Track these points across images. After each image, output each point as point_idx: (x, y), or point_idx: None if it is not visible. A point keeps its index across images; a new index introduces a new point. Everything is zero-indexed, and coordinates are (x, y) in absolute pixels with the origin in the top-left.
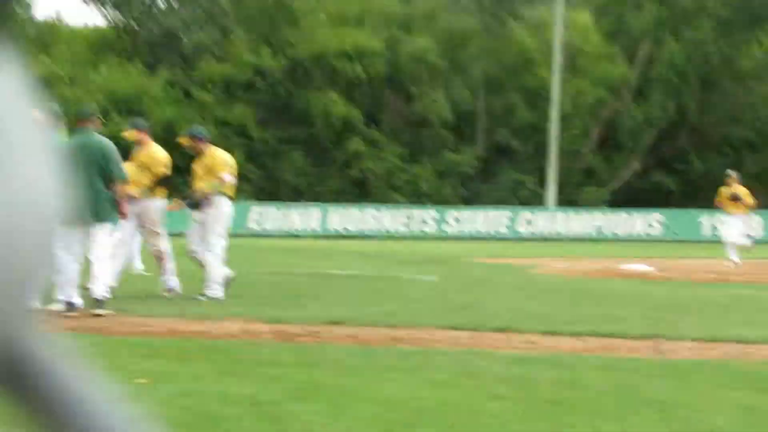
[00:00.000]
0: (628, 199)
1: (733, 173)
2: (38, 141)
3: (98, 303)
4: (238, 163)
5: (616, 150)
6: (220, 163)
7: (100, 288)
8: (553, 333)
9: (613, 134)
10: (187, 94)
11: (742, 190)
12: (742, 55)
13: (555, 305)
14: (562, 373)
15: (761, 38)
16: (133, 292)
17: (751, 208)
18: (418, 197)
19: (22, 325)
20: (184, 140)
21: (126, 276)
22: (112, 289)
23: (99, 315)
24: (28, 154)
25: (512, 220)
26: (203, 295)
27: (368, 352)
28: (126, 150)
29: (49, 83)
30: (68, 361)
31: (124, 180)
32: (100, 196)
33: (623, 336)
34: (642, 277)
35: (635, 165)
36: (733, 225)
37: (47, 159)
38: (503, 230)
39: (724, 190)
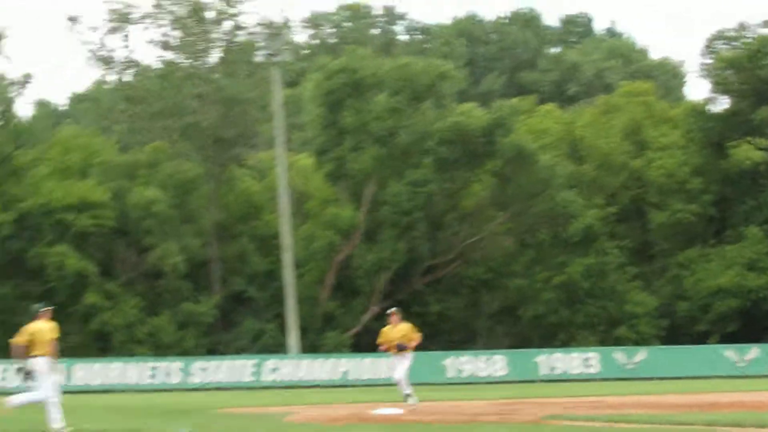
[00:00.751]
0: (371, 342)
1: (393, 310)
2: None
3: None
4: None
5: (353, 294)
6: None
7: None
8: None
9: (348, 279)
10: None
11: (404, 328)
12: (466, 193)
13: None
14: None
15: (481, 176)
16: None
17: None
18: (161, 348)
19: None
20: None
21: None
22: None
23: None
24: None
25: (257, 368)
26: None
27: None
28: None
29: None
30: None
31: None
32: None
33: None
34: (395, 421)
35: (374, 308)
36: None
37: None
38: (248, 378)
39: (387, 331)
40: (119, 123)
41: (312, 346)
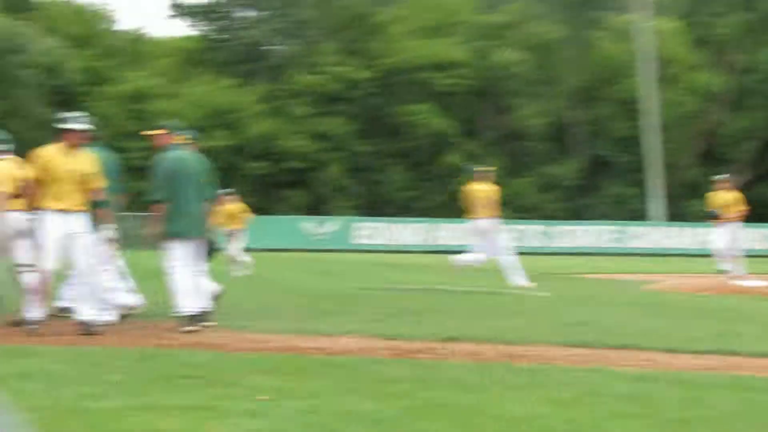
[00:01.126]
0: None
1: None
2: None
3: (195, 318)
4: (338, 177)
5: (718, 163)
6: None
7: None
8: (672, 350)
9: (714, 147)
10: (281, 107)
11: (727, 197)
12: None
13: (671, 322)
14: (686, 391)
15: None
16: (251, 308)
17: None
18: (522, 211)
19: None
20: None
21: (248, 292)
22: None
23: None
24: None
25: (619, 234)
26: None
27: (486, 369)
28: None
29: (144, 97)
30: None
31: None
32: (202, 212)
33: (745, 354)
34: (758, 293)
35: (740, 178)
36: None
37: None
38: (609, 244)
39: (711, 196)
40: None
41: (674, 215)
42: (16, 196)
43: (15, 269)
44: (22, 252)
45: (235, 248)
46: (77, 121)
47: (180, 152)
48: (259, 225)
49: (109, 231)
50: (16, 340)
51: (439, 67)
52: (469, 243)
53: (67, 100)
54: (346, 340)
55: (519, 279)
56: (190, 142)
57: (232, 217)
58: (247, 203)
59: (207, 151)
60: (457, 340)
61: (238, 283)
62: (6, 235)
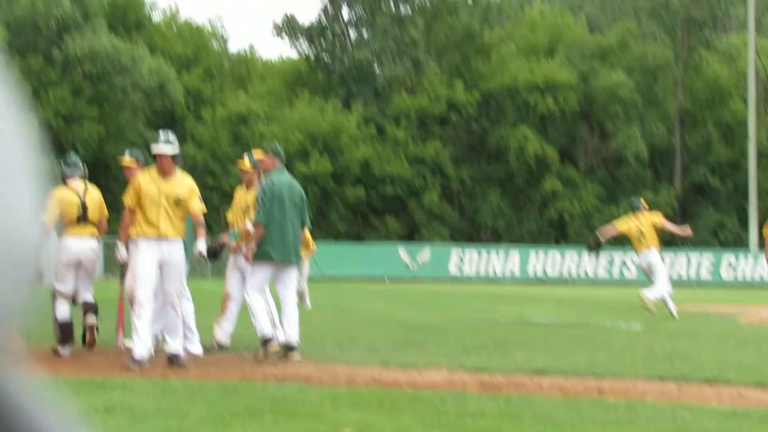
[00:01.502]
0: None
1: None
2: (23, 165)
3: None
4: (435, 203)
5: None
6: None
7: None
8: (764, 385)
9: None
10: (381, 131)
11: None
12: None
13: (765, 356)
14: None
15: None
16: (338, 340)
17: None
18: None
19: None
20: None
21: (337, 323)
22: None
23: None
24: (10, 181)
25: (714, 263)
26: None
27: (574, 404)
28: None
29: (246, 120)
30: (45, 404)
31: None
32: (298, 239)
33: None
34: None
35: None
36: None
37: (31, 187)
38: (706, 274)
39: None
40: (589, 2)
41: None
42: (83, 221)
43: (53, 296)
44: (69, 281)
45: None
46: (165, 145)
47: (282, 176)
48: (354, 252)
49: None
50: (99, 371)
51: (543, 88)
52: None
53: (169, 122)
54: (433, 372)
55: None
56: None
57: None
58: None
59: (305, 176)
60: (546, 373)
61: (326, 314)
62: (63, 262)
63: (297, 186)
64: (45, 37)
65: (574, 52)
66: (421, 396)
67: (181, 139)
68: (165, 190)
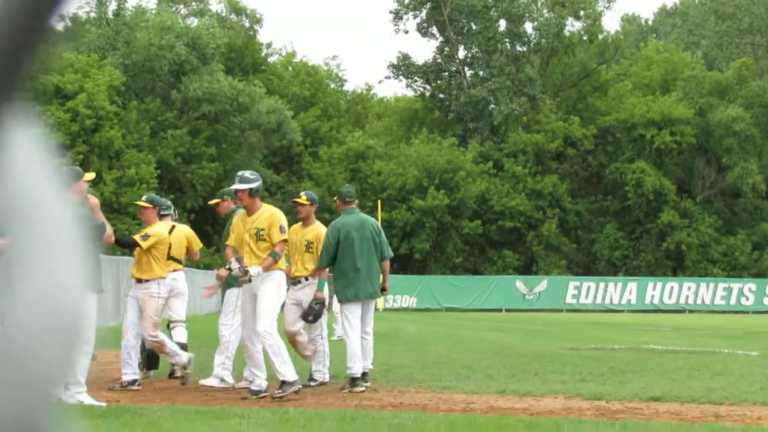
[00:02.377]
0: None
1: None
2: (66, 225)
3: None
4: (553, 235)
5: None
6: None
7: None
8: None
9: None
10: (498, 166)
11: None
12: None
13: None
14: None
15: None
16: (455, 369)
17: None
18: (734, 270)
19: (42, 422)
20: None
21: (454, 352)
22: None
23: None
24: (56, 241)
25: None
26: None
27: (690, 429)
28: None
29: (363, 157)
30: None
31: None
32: (375, 273)
33: None
34: None
35: None
36: None
37: (76, 244)
38: None
39: None
40: (706, 38)
41: None
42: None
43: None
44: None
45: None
46: (237, 183)
47: (348, 216)
48: (470, 284)
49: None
50: (217, 401)
51: (659, 123)
52: None
53: (286, 161)
54: (549, 400)
55: None
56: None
57: None
58: (458, 263)
59: (423, 210)
60: (662, 400)
61: (443, 344)
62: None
63: (368, 222)
64: (162, 79)
65: (692, 88)
66: (538, 423)
67: (298, 177)
68: (248, 226)
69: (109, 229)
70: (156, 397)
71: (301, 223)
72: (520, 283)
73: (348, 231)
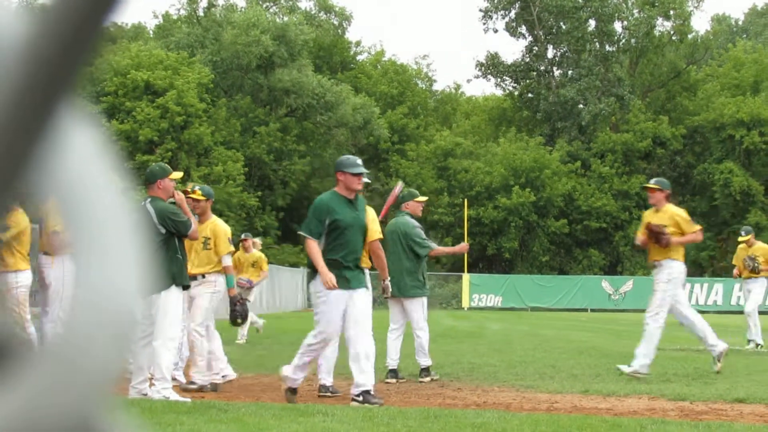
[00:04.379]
0: None
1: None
2: (123, 224)
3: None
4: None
5: None
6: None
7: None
8: None
9: None
10: (586, 165)
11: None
12: None
13: None
14: None
15: None
16: (540, 368)
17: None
18: None
19: (96, 422)
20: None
21: (539, 352)
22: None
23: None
24: (110, 244)
25: None
26: None
27: None
28: None
29: (451, 155)
30: None
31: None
32: (402, 273)
33: None
34: None
35: None
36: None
37: (132, 246)
38: None
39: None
40: None
41: None
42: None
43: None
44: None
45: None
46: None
47: (397, 219)
48: (556, 284)
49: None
50: (301, 399)
51: (748, 124)
52: None
53: (374, 158)
54: (633, 400)
55: None
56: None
57: (252, 265)
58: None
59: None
60: (746, 401)
61: (528, 343)
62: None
63: (399, 223)
64: (250, 76)
65: None
66: (621, 423)
67: (386, 174)
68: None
69: (194, 225)
70: (241, 394)
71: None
72: (605, 283)
73: (390, 233)
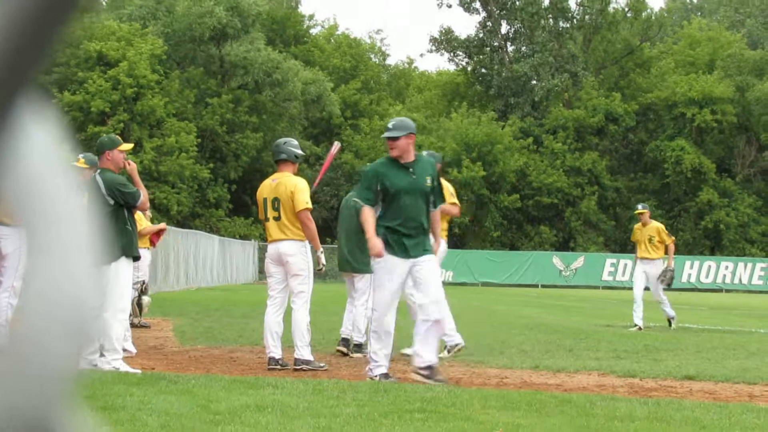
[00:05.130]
0: None
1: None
2: (76, 217)
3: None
4: (591, 212)
5: None
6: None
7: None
8: None
9: None
10: (538, 141)
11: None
12: None
13: None
14: None
15: None
16: (489, 344)
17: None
18: None
19: (52, 417)
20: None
21: (487, 327)
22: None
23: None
24: (63, 232)
25: None
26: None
27: (724, 408)
28: None
29: None
30: None
31: None
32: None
33: None
34: None
35: None
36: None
37: (86, 234)
38: None
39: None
40: (751, 17)
41: None
42: None
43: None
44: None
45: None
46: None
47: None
48: (508, 260)
49: None
50: (251, 371)
51: (700, 102)
52: None
53: (326, 132)
54: (583, 376)
55: None
56: None
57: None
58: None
59: (460, 182)
60: (696, 378)
61: (478, 318)
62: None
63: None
64: (203, 47)
65: (732, 67)
66: (571, 399)
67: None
68: None
69: (143, 196)
70: (191, 366)
71: None
72: (556, 259)
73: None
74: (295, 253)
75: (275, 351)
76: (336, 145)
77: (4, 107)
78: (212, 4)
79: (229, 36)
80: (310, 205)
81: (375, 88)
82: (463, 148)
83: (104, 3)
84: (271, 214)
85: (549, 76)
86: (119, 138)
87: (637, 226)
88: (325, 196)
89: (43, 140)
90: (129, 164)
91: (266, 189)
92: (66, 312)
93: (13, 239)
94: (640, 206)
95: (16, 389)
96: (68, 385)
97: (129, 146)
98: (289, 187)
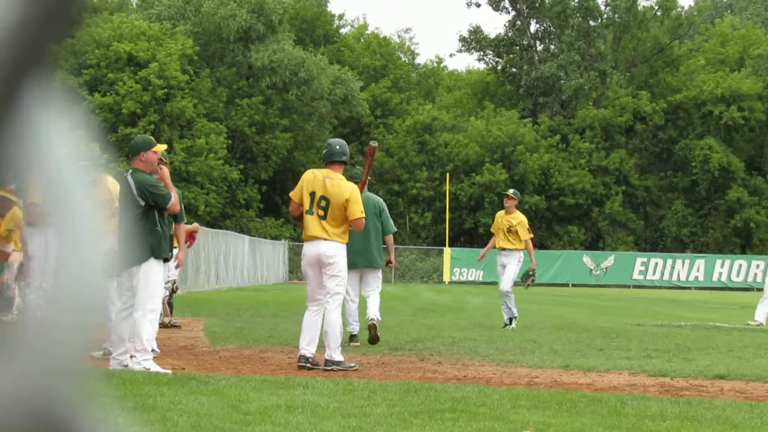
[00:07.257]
0: None
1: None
2: (90, 213)
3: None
4: (617, 212)
5: None
6: None
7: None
8: None
9: None
10: (565, 140)
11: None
12: None
13: None
14: None
15: None
16: (520, 343)
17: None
18: None
19: (63, 410)
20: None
21: (519, 327)
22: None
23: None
24: (79, 232)
25: None
26: None
27: (756, 408)
28: None
29: (430, 129)
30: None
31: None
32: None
33: None
34: None
35: None
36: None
37: (97, 230)
38: None
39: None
40: None
41: None
42: None
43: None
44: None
45: None
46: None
47: (368, 193)
48: (538, 259)
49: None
50: (282, 371)
51: (728, 100)
52: None
53: (356, 131)
54: (614, 375)
55: None
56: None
57: None
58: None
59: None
60: (727, 377)
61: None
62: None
63: (371, 199)
64: (231, 47)
65: (761, 64)
66: (601, 398)
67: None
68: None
69: (174, 198)
70: (221, 366)
71: None
72: (587, 258)
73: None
74: (336, 255)
75: (308, 349)
76: (373, 145)
77: (5, 106)
78: (235, 5)
79: (254, 39)
80: (363, 214)
81: (405, 87)
82: (486, 150)
83: (134, 3)
84: (316, 211)
85: (577, 75)
86: (153, 139)
87: (500, 214)
88: None
89: (63, 141)
90: (161, 169)
91: (318, 184)
92: (71, 302)
93: (39, 240)
94: (511, 191)
95: (26, 381)
96: (78, 379)
97: (163, 147)
98: (344, 194)
